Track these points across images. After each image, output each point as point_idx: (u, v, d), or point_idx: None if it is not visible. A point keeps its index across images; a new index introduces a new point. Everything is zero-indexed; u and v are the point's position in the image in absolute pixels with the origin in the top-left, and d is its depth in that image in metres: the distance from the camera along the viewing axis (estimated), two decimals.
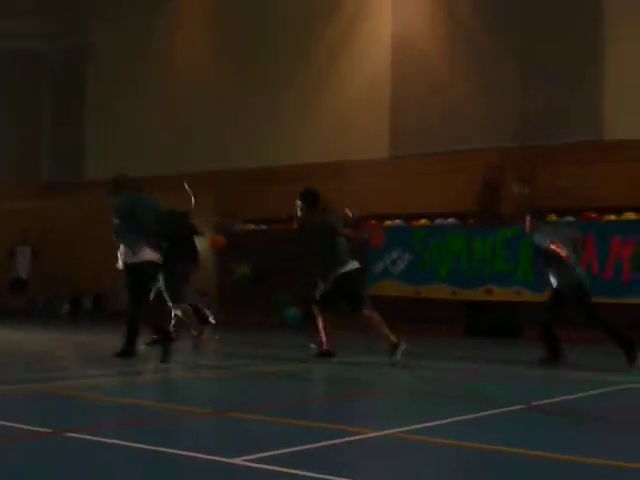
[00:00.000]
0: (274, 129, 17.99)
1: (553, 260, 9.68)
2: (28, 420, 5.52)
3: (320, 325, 9.92)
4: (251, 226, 17.96)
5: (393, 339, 9.66)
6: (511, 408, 6.51)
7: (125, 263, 9.48)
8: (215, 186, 17.73)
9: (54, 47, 22.38)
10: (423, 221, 15.77)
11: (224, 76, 19.24)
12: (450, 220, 15.51)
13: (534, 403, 6.77)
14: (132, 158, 19.84)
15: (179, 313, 11.12)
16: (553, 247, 9.57)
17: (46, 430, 5.20)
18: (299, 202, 10.32)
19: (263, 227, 17.70)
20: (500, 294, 14.70)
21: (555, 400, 7.08)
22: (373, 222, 16.10)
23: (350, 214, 10.58)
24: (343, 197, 17.00)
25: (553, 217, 14.48)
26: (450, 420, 5.81)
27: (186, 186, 12.06)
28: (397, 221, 16.09)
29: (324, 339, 9.95)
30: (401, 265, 15.53)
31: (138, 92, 20.22)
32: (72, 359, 10.08)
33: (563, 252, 9.55)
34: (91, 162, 21.24)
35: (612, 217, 14.12)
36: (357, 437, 5.16)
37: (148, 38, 20.56)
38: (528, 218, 10.27)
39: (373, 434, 5.25)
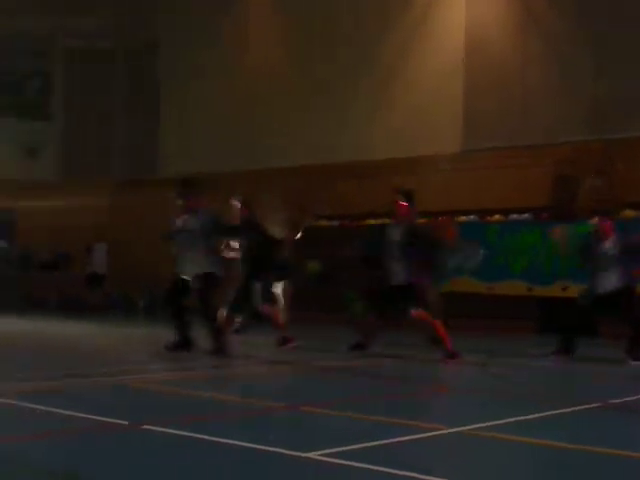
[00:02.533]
0: (346, 123, 17.96)
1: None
2: (105, 412, 5.61)
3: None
4: (324, 222, 17.97)
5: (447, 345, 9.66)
6: (587, 406, 6.40)
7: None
8: (288, 182, 17.80)
9: (125, 44, 22.71)
10: (497, 216, 15.59)
11: (295, 71, 19.29)
12: (525, 215, 15.30)
13: (610, 401, 6.64)
14: (205, 155, 20.07)
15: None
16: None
17: (123, 422, 5.27)
18: (401, 197, 10.25)
19: (335, 223, 17.70)
20: (576, 291, 14.44)
21: (633, 398, 6.95)
22: (445, 218, 15.97)
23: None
24: (416, 192, 16.94)
25: (630, 212, 14.19)
26: (523, 418, 5.73)
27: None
28: (471, 216, 15.94)
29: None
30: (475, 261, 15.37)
31: (209, 89, 20.39)
32: (149, 353, 10.22)
33: None
34: (164, 159, 21.51)
35: None
36: (431, 433, 5.13)
37: (218, 32, 20.71)
38: (605, 221, 10.22)
39: (446, 430, 5.21)
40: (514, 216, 15.42)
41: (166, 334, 10.26)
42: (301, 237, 17.58)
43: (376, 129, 17.50)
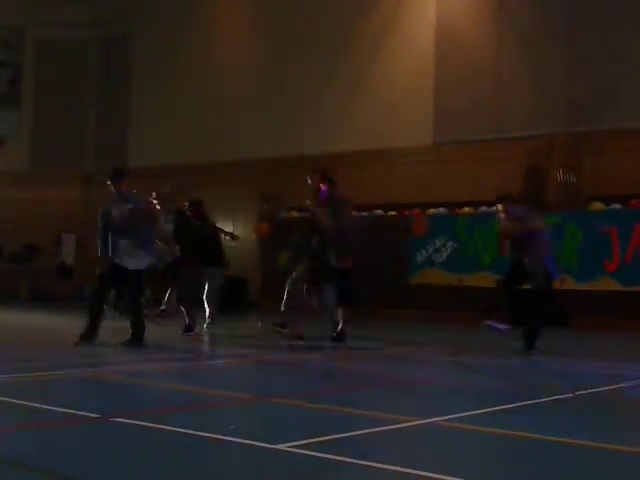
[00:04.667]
0: (317, 116, 17.97)
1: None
2: (76, 405, 5.58)
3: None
4: (294, 213, 17.96)
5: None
6: (556, 397, 6.45)
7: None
8: (258, 174, 17.78)
9: (97, 36, 22.55)
10: (467, 209, 15.67)
11: (265, 63, 19.25)
12: (495, 208, 15.37)
13: (578, 392, 6.70)
14: (174, 147, 19.99)
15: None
16: None
17: (93, 415, 5.25)
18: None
19: (306, 214, 17.69)
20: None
21: (598, 390, 7.02)
22: (416, 210, 16.04)
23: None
24: (386, 184, 17.01)
25: (599, 205, 14.32)
26: (492, 409, 5.77)
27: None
28: (440, 209, 16.00)
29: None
30: (444, 253, 15.46)
31: (179, 81, 20.32)
32: (115, 345, 10.17)
33: None
34: (134, 151, 21.38)
35: None
36: (401, 425, 5.15)
37: (189, 25, 20.62)
38: None
39: (415, 422, 5.23)
40: (484, 208, 15.49)
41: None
42: (273, 229, 17.60)
43: (347, 123, 17.53)
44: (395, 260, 15.73)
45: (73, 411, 5.35)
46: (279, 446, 4.33)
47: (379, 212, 16.60)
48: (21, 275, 20.55)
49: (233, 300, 16.93)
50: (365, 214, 16.28)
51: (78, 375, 7.39)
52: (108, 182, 10.10)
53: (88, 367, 7.97)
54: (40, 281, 20.20)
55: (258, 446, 4.38)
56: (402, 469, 3.96)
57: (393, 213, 16.41)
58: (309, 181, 10.51)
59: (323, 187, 10.40)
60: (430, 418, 5.33)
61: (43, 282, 20.12)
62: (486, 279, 14.94)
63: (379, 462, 4.06)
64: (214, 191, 15.56)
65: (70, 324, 13.71)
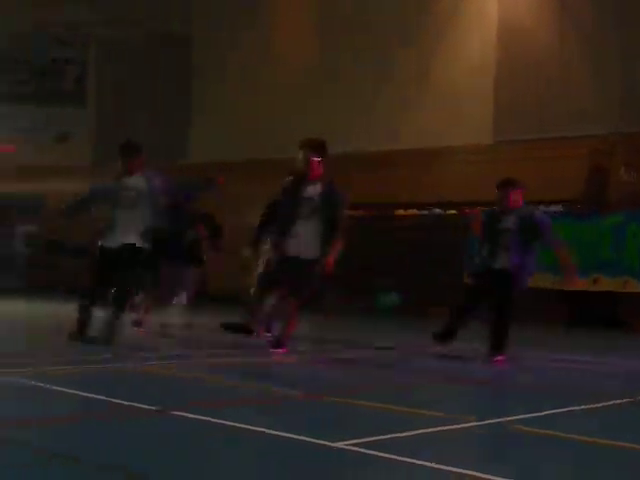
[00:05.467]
0: (375, 113, 17.92)
1: None
2: (134, 398, 5.64)
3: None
4: (350, 211, 17.95)
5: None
6: (617, 401, 6.35)
7: None
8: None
9: (160, 34, 22.80)
10: None
11: (325, 60, 19.25)
12: (555, 207, 15.19)
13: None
14: (232, 142, 20.12)
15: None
16: None
17: (152, 408, 5.30)
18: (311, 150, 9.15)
19: (361, 212, 17.68)
20: (607, 284, 14.35)
21: None
22: (475, 209, 15.90)
23: None
24: (443, 183, 16.90)
25: None
26: (550, 412, 5.70)
27: None
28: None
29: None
30: None
31: (243, 75, 20.42)
32: (170, 341, 10.28)
33: None
34: (194, 146, 21.57)
35: None
36: (460, 425, 5.11)
37: (247, 17, 20.73)
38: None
39: (474, 423, 5.19)
40: (543, 208, 15.29)
41: (196, 322, 10.34)
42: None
43: (405, 120, 17.44)
44: (451, 259, 15.64)
45: (131, 403, 5.41)
46: (338, 444, 4.33)
47: (437, 211, 16.56)
48: (84, 269, 20.81)
49: None
50: (425, 212, 16.26)
51: (134, 368, 7.47)
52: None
53: (143, 360, 8.06)
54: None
55: (317, 444, 4.38)
56: (459, 470, 3.93)
57: (453, 212, 16.32)
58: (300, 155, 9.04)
59: (316, 161, 8.96)
60: (492, 419, 5.28)
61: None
62: (545, 280, 14.75)
63: (438, 463, 4.04)
64: (268, 188, 15.63)
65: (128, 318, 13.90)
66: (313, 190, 8.81)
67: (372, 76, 18.26)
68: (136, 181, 9.24)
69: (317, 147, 9.01)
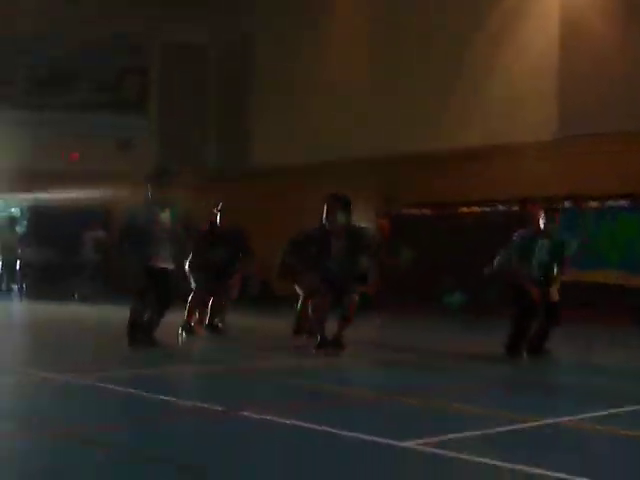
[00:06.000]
0: (440, 111, 17.82)
1: None
2: (207, 399, 5.73)
3: None
4: (416, 210, 17.93)
5: None
6: None
7: None
8: (377, 170, 17.80)
9: (221, 38, 23.03)
10: (593, 203, 15.30)
11: (389, 59, 19.22)
12: (622, 202, 14.97)
13: None
14: (295, 147, 20.22)
15: None
16: None
17: (223, 409, 5.38)
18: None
19: (427, 211, 17.65)
20: None
21: None
22: (538, 204, 15.75)
23: None
24: (509, 179, 16.78)
25: None
26: (620, 410, 5.65)
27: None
28: (566, 203, 15.67)
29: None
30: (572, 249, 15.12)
31: (302, 78, 20.49)
32: (246, 341, 10.39)
33: None
34: (256, 152, 21.71)
35: None
36: (527, 424, 5.09)
37: (309, 21, 20.82)
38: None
39: (542, 422, 5.17)
40: (610, 203, 15.10)
41: (259, 324, 10.43)
42: (391, 225, 17.62)
43: (470, 117, 17.32)
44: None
45: (200, 404, 5.50)
46: (407, 444, 4.36)
47: (501, 207, 16.48)
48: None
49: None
50: (502, 208, 16.23)
51: (203, 370, 7.58)
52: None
53: (213, 363, 8.17)
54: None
55: (386, 443, 4.41)
56: (528, 469, 3.93)
57: (516, 208, 16.19)
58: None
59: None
60: (554, 418, 5.25)
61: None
62: (612, 276, 14.56)
63: (505, 461, 4.04)
64: (332, 189, 15.64)
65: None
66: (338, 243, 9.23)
67: (435, 76, 18.18)
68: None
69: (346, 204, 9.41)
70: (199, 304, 11.12)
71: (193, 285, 11.13)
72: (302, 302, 10.21)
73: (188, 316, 10.90)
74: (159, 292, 9.21)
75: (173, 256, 9.51)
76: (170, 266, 9.44)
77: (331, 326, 8.83)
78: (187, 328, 10.76)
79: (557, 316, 9.03)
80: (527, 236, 9.19)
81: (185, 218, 11.20)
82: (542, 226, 9.20)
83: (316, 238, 9.33)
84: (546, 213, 9.31)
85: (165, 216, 9.52)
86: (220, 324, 11.17)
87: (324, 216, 9.24)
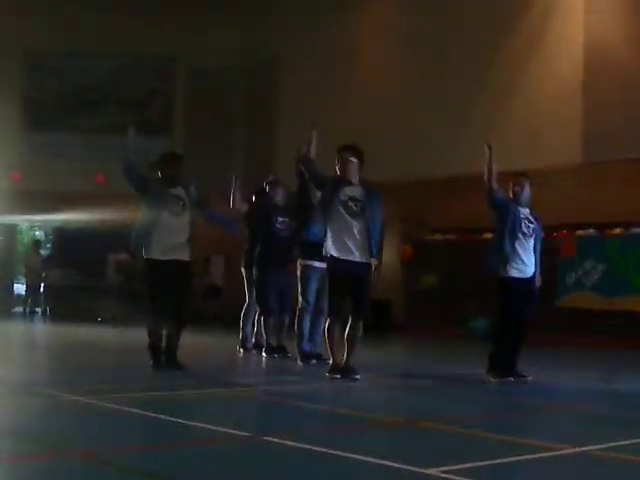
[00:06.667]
0: (461, 136, 17.80)
1: None
2: (228, 423, 5.70)
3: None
4: (438, 235, 17.88)
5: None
6: None
7: None
8: (402, 195, 17.77)
9: (246, 60, 23.18)
10: (618, 230, 15.20)
11: (411, 82, 19.26)
12: None
13: None
14: (324, 171, 20.23)
15: None
16: None
17: (244, 434, 5.35)
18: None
19: (450, 237, 17.58)
20: None
21: None
22: (564, 231, 15.68)
23: None
24: (534, 205, 16.70)
25: None
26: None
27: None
28: (590, 230, 15.58)
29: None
30: (595, 276, 15.02)
31: (326, 100, 20.53)
32: (266, 364, 10.36)
33: None
34: (285, 175, 21.75)
35: None
36: (550, 453, 5.02)
37: (333, 45, 20.91)
38: None
39: (567, 451, 5.09)
40: (636, 229, 14.99)
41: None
42: (415, 251, 17.58)
43: (492, 142, 17.22)
44: (543, 283, 15.39)
45: (222, 429, 5.46)
46: (430, 471, 4.30)
47: None
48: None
49: (377, 322, 16.96)
50: None
51: (225, 394, 7.55)
52: None
53: (235, 386, 8.14)
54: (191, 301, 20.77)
55: (409, 470, 4.36)
56: None
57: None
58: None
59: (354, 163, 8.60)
60: (585, 447, 5.17)
61: (192, 302, 20.68)
62: (638, 303, 14.43)
63: None
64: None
65: (214, 343, 14.08)
66: (354, 191, 8.48)
67: (455, 99, 18.19)
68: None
69: (357, 151, 8.75)
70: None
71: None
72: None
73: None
74: (173, 295, 8.63)
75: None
76: (187, 257, 8.79)
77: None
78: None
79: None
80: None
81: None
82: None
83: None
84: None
85: (179, 191, 8.85)
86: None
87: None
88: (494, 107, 17.74)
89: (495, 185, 8.61)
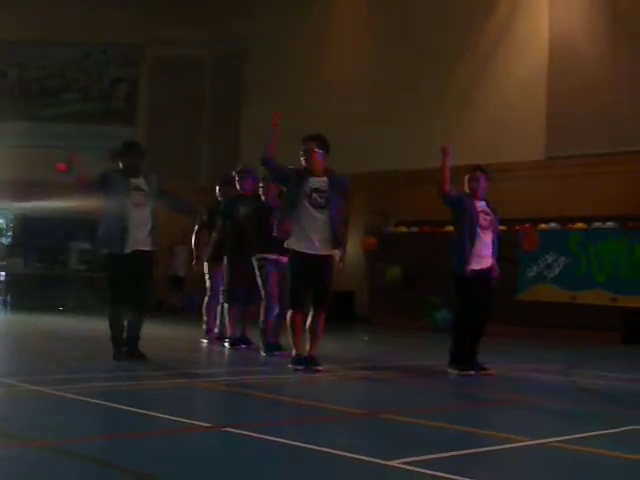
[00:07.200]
0: (426, 130, 17.87)
1: None
2: (189, 414, 5.69)
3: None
4: (402, 228, 17.93)
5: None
6: None
7: None
8: (367, 187, 17.79)
9: (213, 52, 23.08)
10: (580, 224, 15.34)
11: (378, 77, 19.28)
12: (609, 224, 15.01)
13: None
14: (290, 162, 20.20)
15: None
16: None
17: (206, 424, 5.34)
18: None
19: (414, 229, 17.63)
20: None
21: None
22: (526, 225, 15.80)
23: None
24: (496, 199, 16.81)
25: None
26: (609, 431, 5.62)
27: None
28: (552, 224, 15.71)
29: None
30: (556, 269, 15.15)
31: (293, 93, 20.49)
32: (229, 355, 10.34)
33: None
34: (251, 165, 21.68)
35: None
36: (510, 445, 5.06)
37: (301, 37, 20.88)
38: None
39: (526, 442, 5.13)
40: (597, 224, 15.14)
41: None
42: (379, 243, 17.61)
43: (459, 135, 17.34)
44: (503, 276, 15.50)
45: (184, 419, 5.45)
46: (392, 462, 4.32)
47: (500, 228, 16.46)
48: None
49: (341, 314, 17.00)
50: None
51: (187, 384, 7.53)
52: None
53: (197, 377, 8.12)
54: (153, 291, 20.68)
55: (371, 462, 4.37)
56: None
57: (502, 228, 16.20)
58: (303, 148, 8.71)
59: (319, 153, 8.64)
60: (544, 439, 5.22)
61: (155, 292, 20.58)
62: (600, 297, 14.57)
63: None
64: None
65: (177, 334, 14.03)
66: (319, 182, 8.50)
67: (425, 93, 18.24)
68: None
69: (322, 141, 8.75)
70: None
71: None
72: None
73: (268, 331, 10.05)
74: (135, 284, 8.66)
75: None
76: (150, 247, 8.82)
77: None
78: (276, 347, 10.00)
79: None
80: None
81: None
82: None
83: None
84: None
85: (141, 182, 8.90)
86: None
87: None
88: (461, 101, 17.83)
89: (448, 187, 8.68)
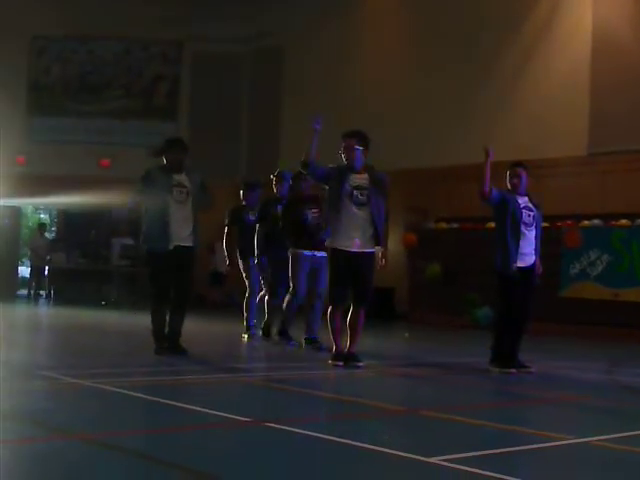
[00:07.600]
0: (467, 126, 17.76)
1: None
2: (230, 409, 5.70)
3: None
4: (442, 224, 17.84)
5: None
6: None
7: None
8: (407, 184, 17.73)
9: (252, 49, 23.13)
10: (623, 221, 15.14)
11: (416, 74, 19.20)
12: None
13: None
14: (328, 158, 20.19)
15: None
16: None
17: (246, 419, 5.35)
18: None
19: (455, 225, 17.53)
20: None
21: None
22: (568, 222, 15.64)
23: None
24: (539, 196, 16.66)
25: None
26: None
27: None
28: (595, 221, 15.53)
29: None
30: (599, 267, 14.98)
31: (330, 90, 20.47)
32: (270, 350, 10.37)
33: None
34: (285, 160, 21.73)
35: None
36: (551, 443, 5.01)
37: (338, 34, 20.86)
38: None
39: (568, 441, 5.08)
40: None
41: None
42: (419, 240, 17.54)
43: (499, 131, 17.21)
44: (546, 273, 15.36)
45: (224, 414, 5.46)
46: (432, 459, 4.30)
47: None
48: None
49: (381, 311, 16.97)
50: None
51: (227, 379, 7.56)
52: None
53: (238, 371, 8.14)
54: (192, 287, 20.79)
55: (412, 458, 4.35)
56: None
57: (545, 224, 16.05)
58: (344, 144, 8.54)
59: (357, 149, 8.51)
60: (586, 437, 5.16)
61: (195, 288, 20.69)
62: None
63: None
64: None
65: (218, 329, 14.09)
66: (360, 179, 8.44)
67: (465, 90, 18.12)
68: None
69: (361, 137, 8.62)
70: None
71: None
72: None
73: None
74: (177, 282, 8.76)
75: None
76: (190, 244, 8.81)
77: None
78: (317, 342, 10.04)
79: None
80: None
81: None
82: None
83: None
84: None
85: (183, 178, 8.86)
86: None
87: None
88: (501, 96, 17.69)
89: (487, 189, 8.57)
